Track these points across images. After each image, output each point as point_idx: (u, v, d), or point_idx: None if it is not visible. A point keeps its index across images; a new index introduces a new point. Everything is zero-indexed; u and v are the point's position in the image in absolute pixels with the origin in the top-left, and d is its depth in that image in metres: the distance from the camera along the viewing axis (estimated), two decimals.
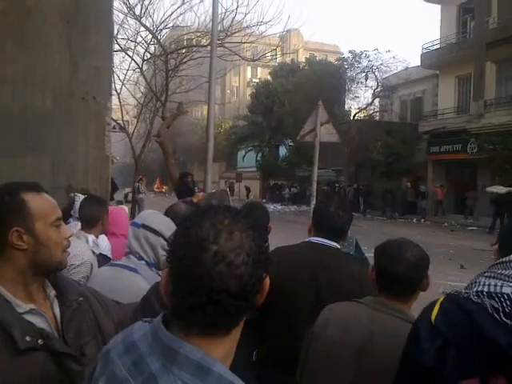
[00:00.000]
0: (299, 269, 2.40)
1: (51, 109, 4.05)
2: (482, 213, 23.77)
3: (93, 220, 3.14)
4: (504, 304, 1.27)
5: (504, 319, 1.25)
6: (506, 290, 1.29)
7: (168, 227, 2.34)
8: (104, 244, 3.23)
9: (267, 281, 1.01)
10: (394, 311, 1.87)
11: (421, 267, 1.91)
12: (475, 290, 1.35)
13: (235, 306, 0.95)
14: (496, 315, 1.26)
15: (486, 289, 1.33)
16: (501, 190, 21.08)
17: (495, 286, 1.32)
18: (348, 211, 2.61)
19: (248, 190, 45.83)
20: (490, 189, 21.99)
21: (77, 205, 3.50)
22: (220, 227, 0.95)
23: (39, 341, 1.40)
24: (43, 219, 1.49)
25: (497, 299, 1.28)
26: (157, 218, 2.41)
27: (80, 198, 3.62)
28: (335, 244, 2.50)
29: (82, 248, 2.82)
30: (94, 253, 2.96)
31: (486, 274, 1.40)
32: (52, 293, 1.56)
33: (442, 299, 1.40)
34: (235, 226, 0.96)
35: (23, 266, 1.46)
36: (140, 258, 2.30)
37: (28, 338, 1.38)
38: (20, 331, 1.38)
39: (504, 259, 1.44)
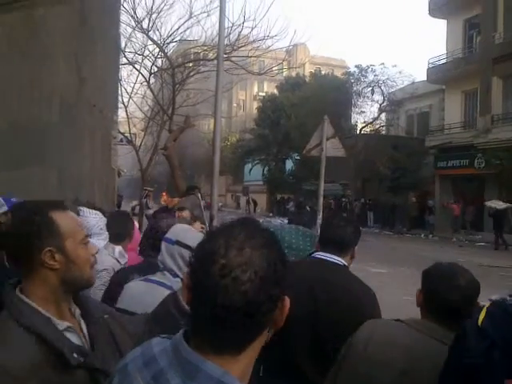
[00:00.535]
0: (298, 284, 2.32)
1: (58, 121, 4.07)
2: (488, 228, 23.63)
3: (121, 234, 3.33)
4: None
5: None
6: None
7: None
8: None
9: (286, 302, 1.00)
10: (438, 335, 1.82)
11: (474, 295, 1.87)
12: None
13: (240, 323, 0.93)
14: None
15: None
16: (500, 205, 21.15)
17: None
18: (352, 223, 2.55)
19: (255, 203, 45.79)
20: (488, 203, 22.01)
21: (82, 219, 3.48)
22: (232, 243, 0.95)
23: (81, 358, 1.42)
24: (72, 237, 1.50)
25: None
26: (189, 233, 2.40)
27: (84, 211, 3.62)
28: (339, 259, 2.43)
29: (103, 256, 2.93)
30: (119, 262, 3.16)
31: None
32: (77, 311, 1.57)
33: (488, 305, 1.48)
34: (248, 243, 0.96)
35: (55, 285, 1.47)
36: (175, 276, 2.27)
37: (75, 355, 1.39)
38: (68, 348, 1.39)
39: None
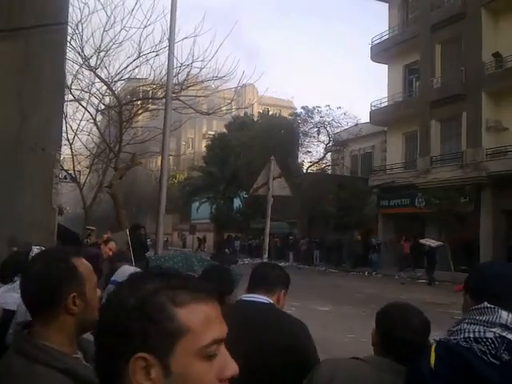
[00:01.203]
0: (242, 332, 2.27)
1: None
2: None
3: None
4: (489, 347, 1.51)
5: (492, 360, 1.49)
6: (488, 334, 1.53)
7: None
8: None
9: None
10: (400, 372, 1.82)
11: (426, 333, 1.94)
12: (462, 336, 1.57)
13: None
14: (484, 357, 1.50)
15: (471, 335, 1.55)
16: (432, 243, 22.16)
17: (479, 332, 1.55)
18: (279, 268, 2.59)
19: (201, 241, 45.42)
20: (422, 241, 22.97)
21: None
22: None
23: None
24: (90, 282, 1.57)
25: (482, 343, 1.52)
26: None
27: (34, 251, 3.44)
28: (265, 298, 2.38)
29: None
30: None
31: (467, 321, 1.62)
32: (79, 353, 1.58)
33: (434, 346, 1.60)
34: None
35: (72, 329, 1.51)
36: None
37: None
38: None
39: (478, 306, 1.65)
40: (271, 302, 2.39)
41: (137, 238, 9.46)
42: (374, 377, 1.85)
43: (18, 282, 3.16)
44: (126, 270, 2.41)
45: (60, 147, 4.59)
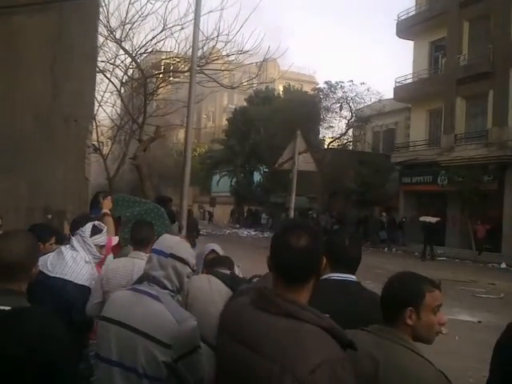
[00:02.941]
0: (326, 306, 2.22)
1: (32, 131, 4.06)
2: (451, 243, 24.29)
3: (145, 241, 3.48)
4: None
5: None
6: None
7: (192, 255, 2.42)
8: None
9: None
10: (399, 340, 1.88)
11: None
12: None
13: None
14: None
15: None
16: (431, 219, 22.56)
17: None
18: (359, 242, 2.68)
19: (210, 214, 46.62)
20: (422, 218, 23.10)
21: (86, 229, 3.42)
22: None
23: None
24: None
25: None
26: (183, 246, 2.42)
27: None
28: (352, 277, 2.50)
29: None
30: None
31: None
32: None
33: None
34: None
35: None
36: (164, 287, 2.29)
37: None
38: None
39: None
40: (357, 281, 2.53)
41: (168, 212, 9.56)
42: (374, 342, 1.89)
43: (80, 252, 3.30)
44: (167, 239, 2.48)
45: (92, 118, 4.70)
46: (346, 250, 2.52)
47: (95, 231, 3.42)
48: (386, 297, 1.97)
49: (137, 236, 3.51)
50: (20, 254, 1.97)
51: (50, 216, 4.19)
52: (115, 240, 4.06)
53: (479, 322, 9.67)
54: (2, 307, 1.82)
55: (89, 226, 3.41)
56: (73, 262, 3.15)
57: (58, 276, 3.01)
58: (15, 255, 1.95)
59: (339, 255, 2.48)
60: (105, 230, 3.48)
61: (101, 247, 3.45)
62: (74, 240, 3.33)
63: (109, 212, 4.05)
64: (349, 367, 1.48)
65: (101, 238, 3.44)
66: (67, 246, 3.35)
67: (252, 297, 1.71)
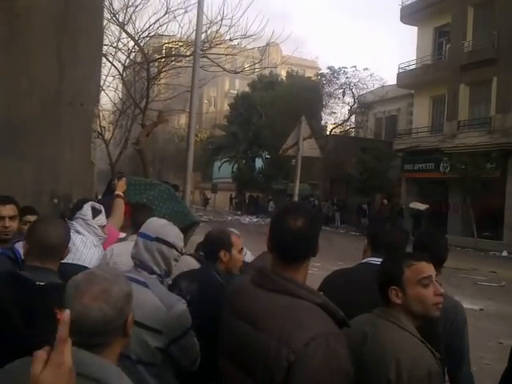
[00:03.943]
0: (362, 293, 2.25)
1: (38, 114, 4.03)
2: (453, 231, 24.30)
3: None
4: None
5: None
6: None
7: (179, 238, 2.37)
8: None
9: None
10: (395, 320, 1.92)
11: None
12: None
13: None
14: None
15: None
16: (421, 206, 23.23)
17: None
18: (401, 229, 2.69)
19: (206, 200, 46.98)
20: (411, 205, 23.66)
21: (86, 211, 3.39)
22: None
23: None
24: None
25: None
26: (169, 229, 2.38)
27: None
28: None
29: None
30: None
31: None
32: None
33: None
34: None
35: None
36: (151, 272, 2.28)
37: None
38: None
39: None
40: None
41: None
42: (368, 320, 1.98)
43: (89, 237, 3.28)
44: (154, 222, 2.46)
45: (98, 102, 4.68)
46: (387, 235, 2.52)
47: (96, 212, 3.40)
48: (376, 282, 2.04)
49: (138, 220, 3.49)
50: (61, 237, 2.29)
51: (56, 200, 4.17)
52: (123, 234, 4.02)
53: (481, 309, 9.70)
54: (38, 282, 2.09)
55: (88, 209, 3.37)
56: (84, 246, 3.14)
57: (70, 262, 3.00)
58: (58, 238, 2.27)
59: (379, 240, 2.52)
60: (103, 210, 3.47)
61: (102, 227, 3.43)
62: (76, 224, 3.29)
63: (122, 194, 4.04)
64: (342, 340, 1.57)
65: (102, 218, 3.45)
66: (72, 230, 3.33)
67: (252, 275, 1.82)
